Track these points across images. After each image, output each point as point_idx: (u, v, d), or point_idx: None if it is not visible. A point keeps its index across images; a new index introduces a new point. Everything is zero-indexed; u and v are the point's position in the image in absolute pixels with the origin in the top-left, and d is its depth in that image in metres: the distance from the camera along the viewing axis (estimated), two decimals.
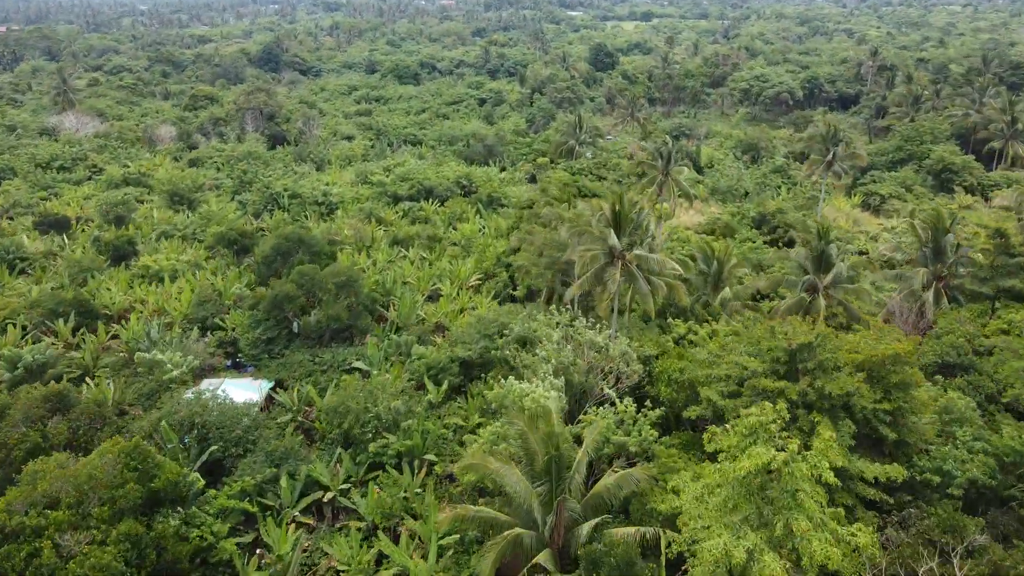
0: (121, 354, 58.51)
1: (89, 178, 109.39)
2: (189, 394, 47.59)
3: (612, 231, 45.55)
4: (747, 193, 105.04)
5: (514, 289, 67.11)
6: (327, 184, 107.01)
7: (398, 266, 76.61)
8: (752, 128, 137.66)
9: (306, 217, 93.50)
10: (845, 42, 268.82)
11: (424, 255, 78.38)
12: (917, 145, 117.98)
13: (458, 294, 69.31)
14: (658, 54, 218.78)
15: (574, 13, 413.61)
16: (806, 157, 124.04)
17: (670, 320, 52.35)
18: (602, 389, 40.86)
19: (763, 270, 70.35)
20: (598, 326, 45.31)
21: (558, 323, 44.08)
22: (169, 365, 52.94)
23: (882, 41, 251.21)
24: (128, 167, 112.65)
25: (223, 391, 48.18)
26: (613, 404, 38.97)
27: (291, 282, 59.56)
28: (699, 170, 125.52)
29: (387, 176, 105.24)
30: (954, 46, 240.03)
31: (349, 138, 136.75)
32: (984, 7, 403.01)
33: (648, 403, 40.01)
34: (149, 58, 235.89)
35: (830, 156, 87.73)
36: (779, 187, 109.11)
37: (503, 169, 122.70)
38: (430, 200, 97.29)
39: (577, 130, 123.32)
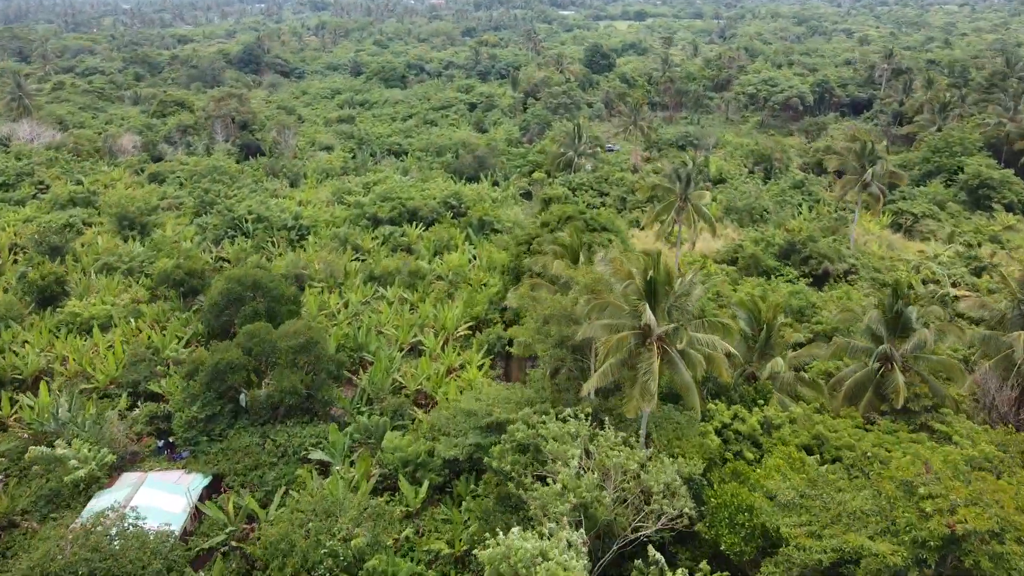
0: (24, 436, 46.55)
1: (34, 196, 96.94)
2: (83, 516, 35.81)
3: (646, 305, 33.89)
4: (765, 212, 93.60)
5: (509, 344, 55.49)
6: (299, 204, 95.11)
7: (373, 309, 64.83)
8: (764, 137, 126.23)
9: (273, 244, 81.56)
10: (845, 42, 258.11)
11: (405, 295, 66.58)
12: (947, 157, 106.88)
13: (443, 348, 57.65)
14: (656, 55, 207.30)
15: (566, 12, 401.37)
16: (823, 170, 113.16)
17: (709, 401, 40.94)
18: (635, 531, 29.37)
19: (804, 317, 58.94)
20: (623, 437, 33.65)
21: (575, 434, 32.38)
22: (74, 462, 41.05)
23: (885, 42, 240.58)
24: (81, 183, 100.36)
25: (133, 509, 36.33)
26: (656, 565, 27.41)
27: (237, 346, 47.71)
28: (710, 182, 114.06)
29: (366, 195, 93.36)
30: (960, 46, 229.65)
31: (328, 148, 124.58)
32: (981, 7, 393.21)
33: (702, 559, 28.42)
34: (124, 59, 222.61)
35: (868, 175, 76.31)
36: (799, 205, 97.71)
37: (495, 184, 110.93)
38: (414, 223, 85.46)
39: (576, 140, 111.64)
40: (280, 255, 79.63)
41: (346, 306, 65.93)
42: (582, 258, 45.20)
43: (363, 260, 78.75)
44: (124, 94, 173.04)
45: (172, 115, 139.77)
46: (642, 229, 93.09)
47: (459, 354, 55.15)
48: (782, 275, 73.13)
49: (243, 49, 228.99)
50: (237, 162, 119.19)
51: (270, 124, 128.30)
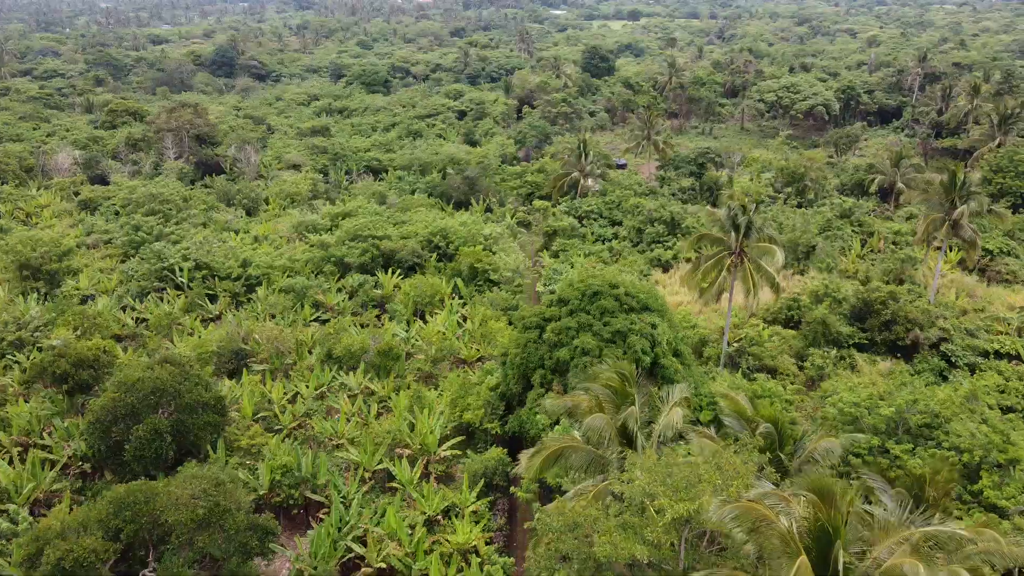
0: None
1: None
2: None
3: None
4: (813, 248, 76.84)
5: (512, 484, 38.41)
6: (254, 241, 77.61)
7: (332, 401, 47.68)
8: (794, 153, 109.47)
9: (211, 300, 64.15)
10: (851, 43, 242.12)
11: (372, 386, 49.33)
12: (1012, 178, 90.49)
13: (423, 479, 40.53)
14: (659, 58, 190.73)
15: (558, 12, 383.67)
16: (864, 191, 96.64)
17: None
18: None
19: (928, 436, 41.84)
20: None
21: None
22: None
23: (896, 43, 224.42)
24: None
25: None
26: None
27: (99, 521, 30.41)
28: None
29: (333, 231, 76.05)
30: (976, 48, 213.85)
31: (296, 167, 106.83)
32: (982, 6, 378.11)
33: None
34: (87, 61, 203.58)
35: (958, 214, 59.60)
36: (848, 235, 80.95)
37: (488, 210, 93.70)
38: (390, 269, 68.18)
39: (581, 158, 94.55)
40: (220, 315, 62.27)
41: (294, 400, 48.70)
42: (635, 426, 27.16)
43: (324, 321, 61.53)
44: (76, 101, 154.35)
45: (124, 126, 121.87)
46: (666, 272, 76.30)
47: (443, 498, 37.90)
48: (857, 344, 56.38)
49: (216, 51, 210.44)
50: (192, 182, 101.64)
51: (229, 138, 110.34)
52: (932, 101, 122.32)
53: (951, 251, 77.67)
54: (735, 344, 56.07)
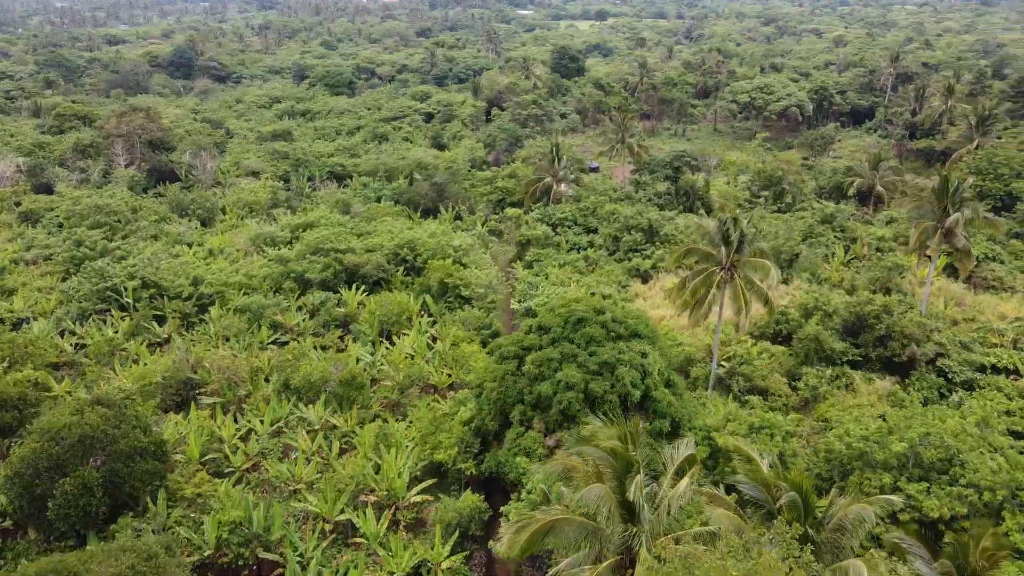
0: None
1: None
2: None
3: None
4: (796, 256, 73.79)
5: (489, 535, 34.22)
6: (209, 255, 72.51)
7: (288, 439, 43.18)
8: (770, 156, 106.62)
9: (159, 322, 59.10)
10: (817, 43, 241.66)
11: (334, 420, 44.84)
12: (992, 180, 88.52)
13: (391, 528, 36.22)
14: (628, 58, 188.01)
15: (525, 12, 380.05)
16: (843, 194, 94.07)
17: None
18: None
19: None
20: None
21: None
22: None
23: (863, 43, 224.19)
24: None
25: None
26: None
27: None
28: (709, 211, 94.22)
29: (293, 244, 71.27)
30: (941, 47, 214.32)
31: (255, 174, 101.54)
32: (942, 7, 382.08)
33: None
34: (38, 63, 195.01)
35: (952, 221, 56.68)
36: (831, 242, 78.03)
37: (458, 217, 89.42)
38: (354, 285, 63.59)
39: (554, 163, 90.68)
40: (169, 338, 57.26)
41: (247, 437, 44.05)
42: (640, 499, 22.71)
43: (284, 343, 56.88)
44: (23, 104, 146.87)
45: (72, 131, 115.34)
46: (645, 283, 72.65)
47: (413, 554, 33.63)
48: (851, 361, 53.10)
49: (174, 51, 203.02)
50: (144, 190, 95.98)
51: (185, 144, 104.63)
52: (905, 102, 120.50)
53: (938, 258, 75.15)
54: (725, 364, 52.52)
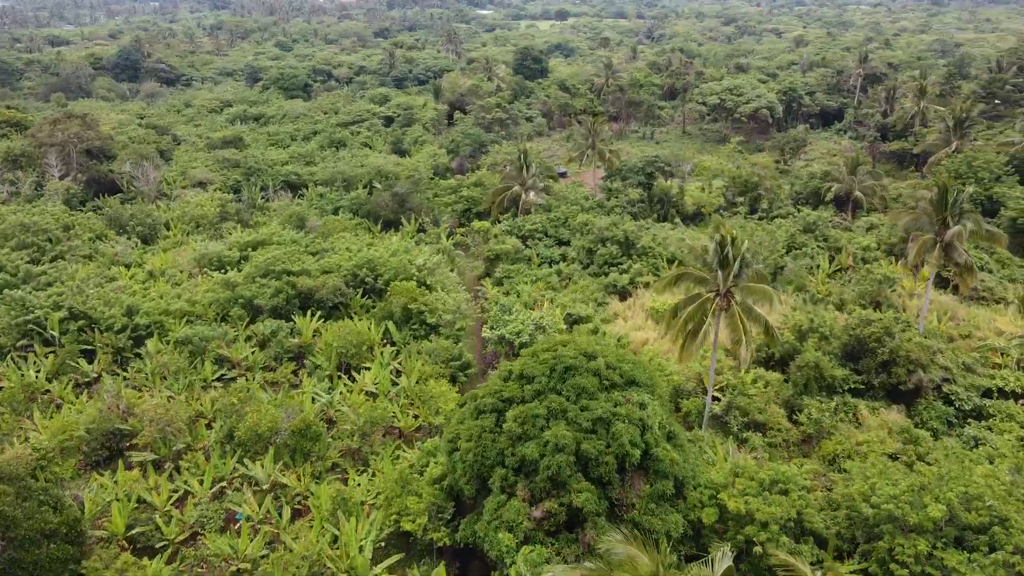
0: None
1: None
2: None
3: None
4: (781, 269, 69.70)
5: None
6: (148, 277, 65.92)
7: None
8: (745, 160, 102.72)
9: (88, 358, 52.59)
10: (777, 43, 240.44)
11: (285, 479, 39.07)
12: (972, 185, 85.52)
13: None
14: (591, 59, 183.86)
15: (484, 12, 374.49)
16: (821, 199, 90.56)
17: None
18: None
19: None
20: None
21: None
22: None
23: (823, 43, 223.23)
24: None
25: None
26: None
27: None
28: (684, 219, 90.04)
29: (243, 265, 65.00)
30: (901, 47, 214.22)
31: (203, 184, 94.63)
32: (896, 6, 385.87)
33: None
34: None
35: (951, 235, 52.81)
36: (815, 252, 74.11)
37: (421, 230, 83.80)
38: (309, 311, 57.67)
39: (523, 171, 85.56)
40: (99, 376, 50.83)
41: (183, 501, 38.09)
42: None
43: (230, 380, 50.84)
44: None
45: (2, 140, 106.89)
46: (623, 300, 67.81)
47: None
48: (852, 389, 48.81)
49: (119, 53, 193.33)
50: (82, 204, 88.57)
51: (125, 153, 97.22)
52: (876, 103, 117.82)
53: (925, 269, 71.70)
54: (719, 396, 47.87)
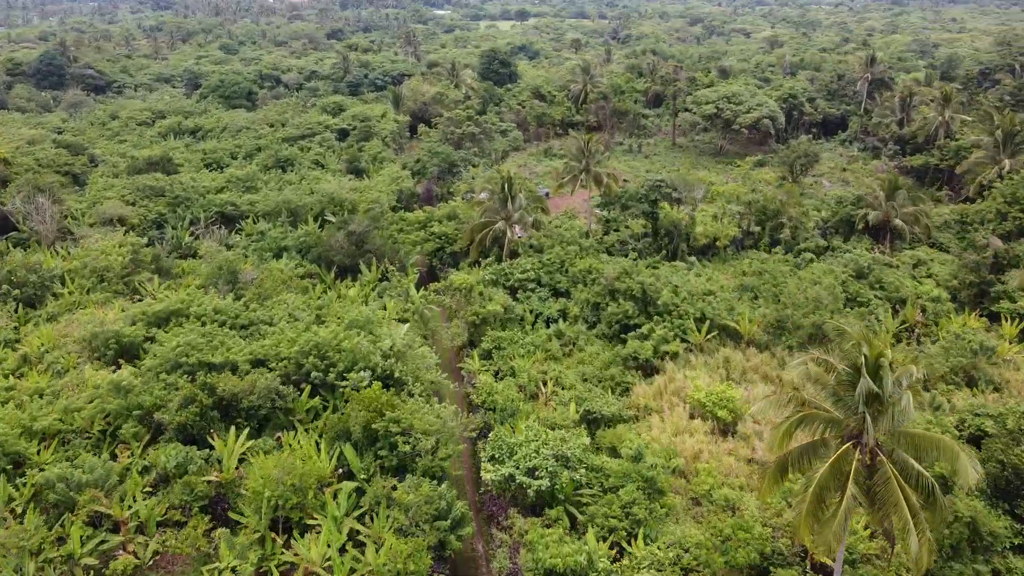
0: None
1: None
2: None
3: None
4: (842, 335, 54.66)
5: None
6: (24, 365, 48.24)
7: None
8: (765, 184, 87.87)
9: None
10: (749, 43, 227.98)
11: None
12: None
13: None
14: (557, 60, 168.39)
15: (442, 12, 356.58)
16: (853, 228, 76.37)
17: None
18: None
19: None
20: None
21: None
22: None
23: (800, 44, 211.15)
24: None
25: None
26: None
27: None
28: (696, 253, 74.86)
29: (146, 348, 47.60)
30: (879, 48, 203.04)
31: (115, 223, 76.42)
32: (857, 6, 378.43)
33: None
34: None
35: None
36: (872, 304, 59.31)
37: (384, 278, 67.14)
38: (233, 428, 40.65)
39: (507, 202, 69.38)
40: None
41: None
42: None
43: (109, 556, 33.81)
44: None
45: None
46: (649, 377, 52.10)
47: None
48: (1016, 547, 33.86)
49: (40, 57, 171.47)
50: None
51: (18, 183, 78.48)
52: (890, 111, 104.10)
53: (1010, 322, 57.54)
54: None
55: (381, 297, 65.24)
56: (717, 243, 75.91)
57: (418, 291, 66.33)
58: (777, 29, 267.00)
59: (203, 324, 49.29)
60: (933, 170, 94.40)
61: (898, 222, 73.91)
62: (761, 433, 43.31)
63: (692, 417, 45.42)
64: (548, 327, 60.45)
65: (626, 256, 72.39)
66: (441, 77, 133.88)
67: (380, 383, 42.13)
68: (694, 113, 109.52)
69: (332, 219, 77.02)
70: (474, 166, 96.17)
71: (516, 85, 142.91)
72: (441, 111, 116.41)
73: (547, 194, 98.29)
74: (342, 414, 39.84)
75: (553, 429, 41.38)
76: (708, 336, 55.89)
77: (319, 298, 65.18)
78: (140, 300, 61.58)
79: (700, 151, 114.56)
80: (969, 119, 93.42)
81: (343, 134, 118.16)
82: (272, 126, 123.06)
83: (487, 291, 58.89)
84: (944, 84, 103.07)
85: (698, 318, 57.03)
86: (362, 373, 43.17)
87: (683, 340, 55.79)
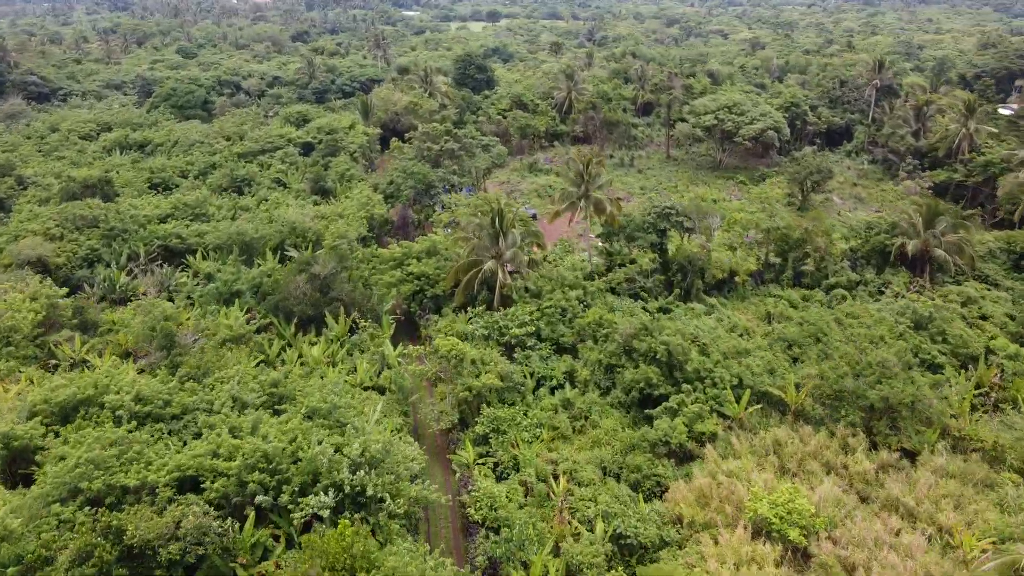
0: None
1: None
2: None
3: None
4: (912, 405, 44.55)
5: None
6: None
7: None
8: (768, 200, 77.96)
9: None
10: (728, 45, 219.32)
11: None
12: None
13: None
14: (532, 62, 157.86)
15: (411, 13, 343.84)
16: (886, 258, 66.88)
17: None
18: None
19: None
20: None
21: None
22: None
23: (783, 46, 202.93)
24: None
25: None
26: None
27: None
28: (709, 291, 64.78)
29: (49, 442, 36.05)
30: (865, 50, 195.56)
31: (39, 263, 64.15)
32: (830, 6, 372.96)
33: None
34: None
35: None
36: (935, 364, 49.49)
37: (353, 330, 56.12)
38: None
39: (499, 238, 58.57)
40: None
41: None
42: None
43: None
44: None
45: None
46: (682, 467, 41.69)
47: None
48: None
49: None
50: None
51: None
52: (904, 122, 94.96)
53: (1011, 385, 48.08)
54: None
55: (351, 355, 54.34)
56: (736, 278, 65.88)
57: (395, 347, 55.59)
58: (755, 30, 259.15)
59: (119, 421, 37.82)
60: (955, 187, 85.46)
61: (939, 252, 64.44)
62: (848, 561, 33.09)
63: (755, 535, 35.05)
64: (552, 393, 49.95)
65: (634, 297, 62.24)
66: (414, 84, 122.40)
67: (350, 506, 31.24)
68: (693, 125, 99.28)
69: (293, 253, 65.73)
70: (452, 186, 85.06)
71: (494, 92, 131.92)
72: (415, 122, 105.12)
73: (535, 215, 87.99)
74: (296, 571, 28.72)
75: (580, 574, 30.74)
76: (749, 408, 45.69)
77: (278, 355, 54.20)
78: (56, 367, 50.02)
79: (697, 164, 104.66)
80: (995, 130, 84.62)
81: (307, 148, 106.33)
82: (229, 139, 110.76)
83: (480, 355, 47.90)
84: (963, 92, 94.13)
85: (734, 384, 46.84)
86: (324, 497, 32.17)
87: (721, 415, 45.55)
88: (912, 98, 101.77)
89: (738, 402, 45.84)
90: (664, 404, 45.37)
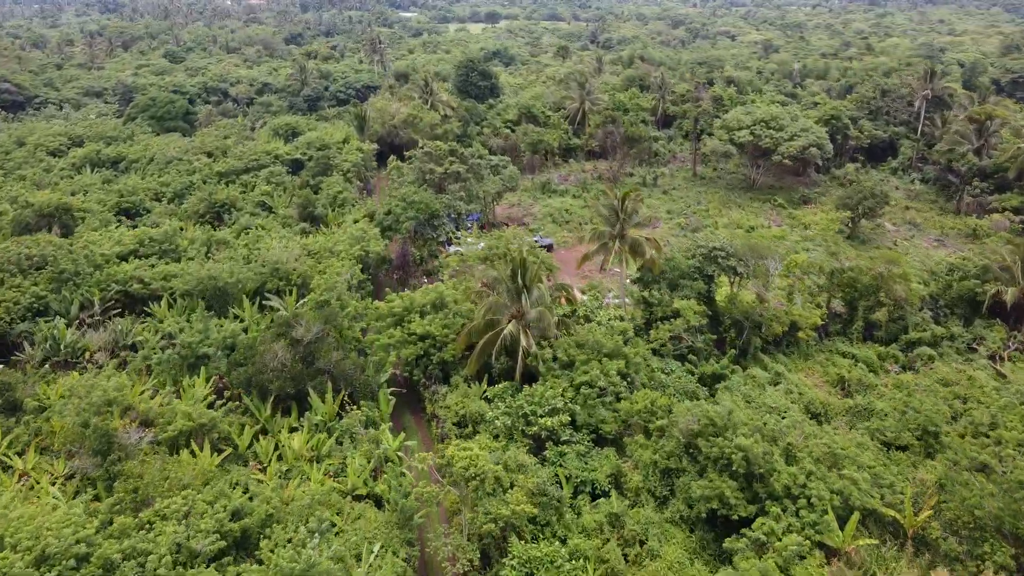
0: None
1: None
2: None
3: None
4: None
5: None
6: None
7: None
8: (845, 244, 66.73)
9: None
10: (739, 48, 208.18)
11: None
12: None
13: None
14: (535, 66, 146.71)
15: (408, 14, 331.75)
16: (976, 309, 55.88)
17: None
18: None
19: None
20: None
21: None
22: None
23: (797, 48, 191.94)
24: None
25: None
26: None
27: None
28: (766, 349, 53.67)
29: None
30: (886, 52, 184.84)
31: None
32: (836, 7, 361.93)
33: None
34: None
35: None
36: None
37: (345, 406, 44.86)
38: None
39: (521, 295, 47.28)
40: None
41: None
42: None
43: None
44: None
45: None
46: None
47: None
48: None
49: None
50: None
51: None
52: (963, 137, 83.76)
53: None
54: None
55: (340, 444, 43.11)
56: (802, 334, 54.73)
57: (394, 425, 44.44)
58: (763, 32, 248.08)
59: None
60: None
61: None
62: None
63: None
64: (594, 500, 38.85)
65: (680, 359, 51.14)
66: (412, 93, 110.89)
67: None
68: (729, 142, 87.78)
69: (276, 302, 54.39)
70: (459, 215, 73.72)
71: (499, 101, 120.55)
72: (415, 136, 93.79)
73: (550, 247, 76.96)
74: None
75: None
76: (858, 538, 34.59)
77: (249, 446, 42.98)
78: None
79: (728, 184, 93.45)
80: None
81: (297, 166, 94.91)
82: (211, 155, 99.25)
83: (504, 463, 36.60)
84: (1011, 102, 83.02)
85: (835, 504, 35.73)
86: None
87: (820, 545, 34.45)
88: (963, 110, 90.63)
89: (842, 527, 34.76)
90: (746, 533, 34.26)
